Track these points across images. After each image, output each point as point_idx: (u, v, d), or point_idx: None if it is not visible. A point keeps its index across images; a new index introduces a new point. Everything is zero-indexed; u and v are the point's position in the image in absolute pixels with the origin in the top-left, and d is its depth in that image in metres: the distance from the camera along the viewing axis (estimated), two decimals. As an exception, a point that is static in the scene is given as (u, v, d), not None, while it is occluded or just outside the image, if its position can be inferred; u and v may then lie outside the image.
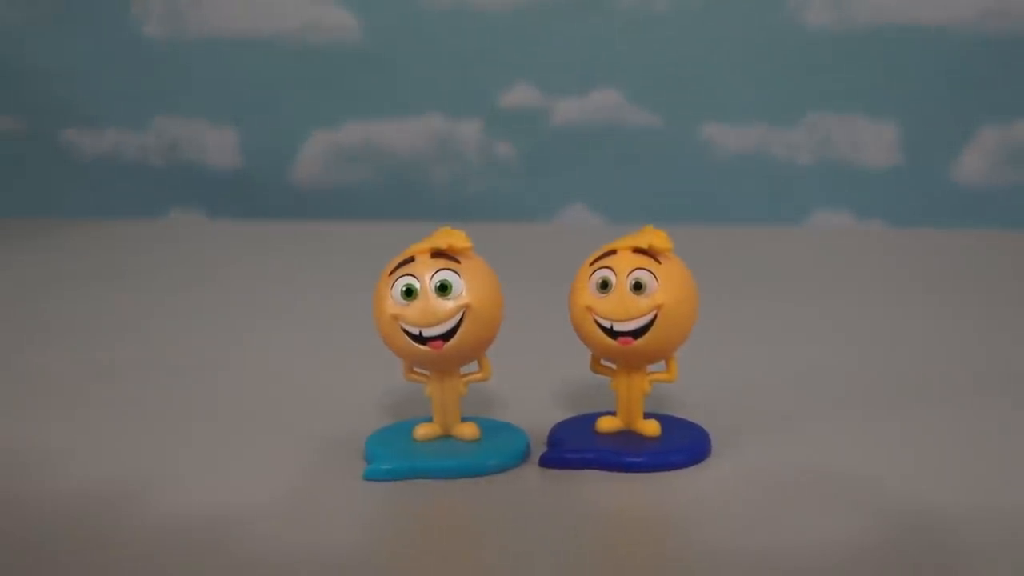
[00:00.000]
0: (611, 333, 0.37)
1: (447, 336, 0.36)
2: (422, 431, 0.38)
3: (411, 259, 0.36)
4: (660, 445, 0.38)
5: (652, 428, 0.39)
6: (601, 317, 0.37)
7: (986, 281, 0.71)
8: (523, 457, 0.38)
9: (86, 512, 0.34)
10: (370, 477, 0.36)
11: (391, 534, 0.33)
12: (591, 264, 0.37)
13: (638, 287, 0.36)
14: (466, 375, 0.38)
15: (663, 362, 0.39)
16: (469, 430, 0.38)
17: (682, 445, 0.38)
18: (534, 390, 0.46)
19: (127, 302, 0.66)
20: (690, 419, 0.40)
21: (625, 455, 0.37)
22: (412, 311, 0.35)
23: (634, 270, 0.36)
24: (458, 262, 0.36)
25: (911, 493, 0.35)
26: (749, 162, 1.00)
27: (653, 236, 0.37)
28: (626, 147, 1.01)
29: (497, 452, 0.37)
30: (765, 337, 0.57)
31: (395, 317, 0.36)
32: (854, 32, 0.96)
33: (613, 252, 0.37)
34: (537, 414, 0.42)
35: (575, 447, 0.38)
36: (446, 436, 0.38)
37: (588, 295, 0.37)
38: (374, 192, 1.04)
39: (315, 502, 0.35)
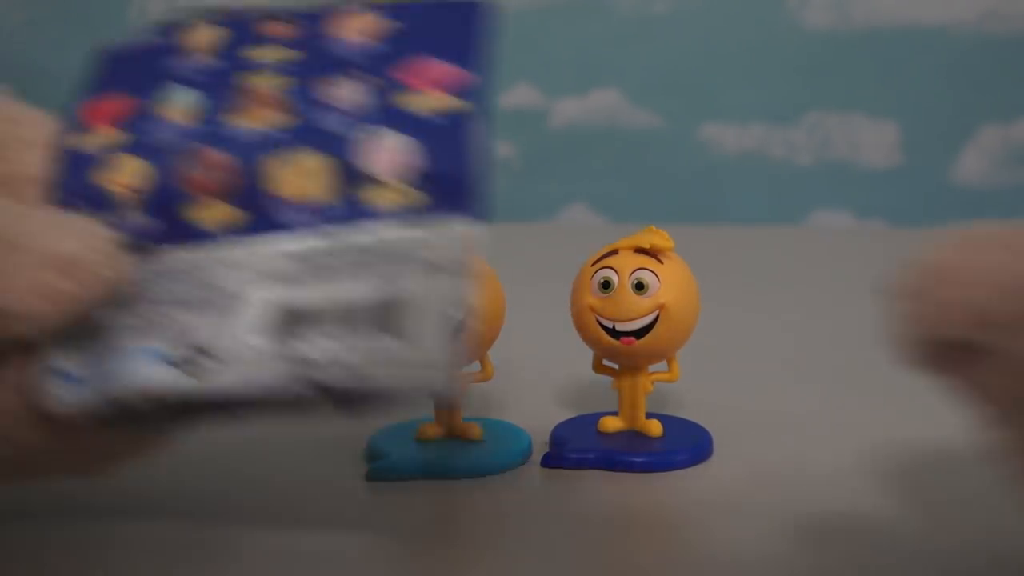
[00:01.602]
0: (613, 333, 0.37)
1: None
2: (425, 431, 0.38)
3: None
4: (662, 445, 0.38)
5: (654, 428, 0.38)
6: (603, 317, 0.37)
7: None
8: (525, 457, 0.38)
9: (86, 511, 0.34)
10: (373, 477, 0.36)
11: (394, 534, 0.33)
12: (593, 264, 0.37)
13: (640, 287, 0.36)
14: (472, 373, 0.38)
15: (665, 362, 0.39)
16: (472, 430, 0.38)
17: (684, 445, 0.38)
18: (536, 390, 0.46)
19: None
20: (692, 419, 0.40)
21: (627, 455, 0.37)
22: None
23: (636, 270, 0.36)
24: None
25: (912, 492, 0.35)
26: (749, 162, 1.00)
27: (655, 236, 0.37)
28: (626, 147, 1.01)
29: (500, 452, 0.37)
30: (766, 337, 0.57)
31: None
32: (854, 32, 0.96)
33: (615, 252, 0.37)
34: (539, 414, 0.42)
35: (577, 447, 0.38)
36: (449, 436, 0.38)
37: (590, 295, 0.37)
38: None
39: (317, 502, 0.35)
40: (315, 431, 0.41)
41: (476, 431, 0.38)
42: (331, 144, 0.29)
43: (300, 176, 0.29)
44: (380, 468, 0.36)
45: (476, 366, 0.38)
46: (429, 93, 0.30)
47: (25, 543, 0.32)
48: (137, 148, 0.30)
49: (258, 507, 0.34)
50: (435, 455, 0.37)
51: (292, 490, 0.36)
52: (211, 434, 0.41)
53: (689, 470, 0.37)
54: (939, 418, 0.43)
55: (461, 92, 0.30)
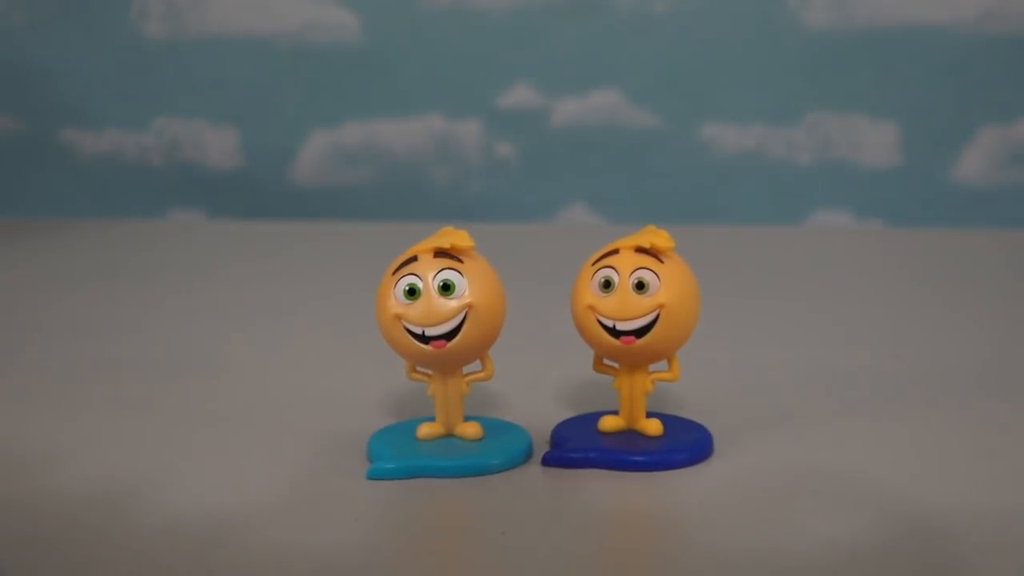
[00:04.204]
0: (613, 332, 0.37)
1: (450, 335, 0.36)
2: (425, 430, 0.38)
3: (414, 258, 0.36)
4: (662, 444, 0.38)
5: (654, 427, 0.39)
6: (603, 316, 0.37)
7: (986, 281, 0.71)
8: (526, 456, 0.38)
9: (86, 512, 0.34)
10: (373, 476, 0.36)
11: (394, 533, 0.33)
12: (593, 264, 0.37)
13: (640, 287, 0.36)
14: (469, 374, 0.38)
15: (665, 361, 0.39)
16: (472, 429, 0.38)
17: (684, 444, 0.38)
18: (537, 389, 0.46)
19: (127, 302, 0.66)
20: (692, 418, 0.40)
21: (627, 454, 0.37)
22: (415, 310, 0.35)
23: (636, 269, 0.36)
24: (461, 262, 0.36)
25: (912, 493, 0.35)
26: (749, 162, 1.00)
27: (655, 236, 0.37)
28: (626, 147, 1.01)
29: (500, 451, 0.37)
30: (766, 336, 0.57)
31: (398, 316, 0.36)
32: (854, 32, 0.96)
33: (615, 251, 0.37)
34: (540, 413, 0.42)
35: (578, 446, 0.38)
36: (449, 435, 0.38)
37: (590, 294, 0.37)
38: (374, 192, 1.04)
39: (318, 501, 0.35)
40: (316, 430, 0.41)
41: (476, 430, 0.38)
42: None
43: None
44: (381, 467, 0.36)
45: (477, 365, 0.38)
46: None
47: (23, 541, 0.32)
48: None
49: (260, 507, 0.34)
50: (436, 454, 0.37)
51: (294, 490, 0.36)
52: (212, 434, 0.41)
53: (689, 469, 0.37)
54: (938, 415, 0.43)
55: None
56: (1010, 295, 0.66)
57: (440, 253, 0.36)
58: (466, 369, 0.38)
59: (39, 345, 0.56)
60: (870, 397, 0.45)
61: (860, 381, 0.48)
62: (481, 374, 0.38)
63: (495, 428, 0.39)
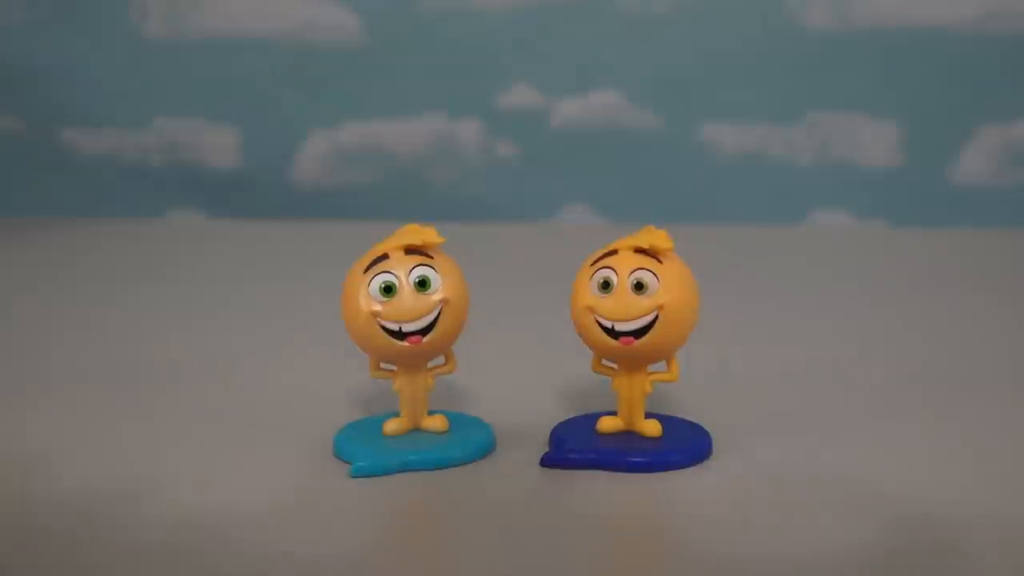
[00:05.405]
0: (612, 333, 0.37)
1: (425, 331, 0.36)
2: (392, 426, 0.38)
3: (385, 256, 0.36)
4: (661, 445, 0.38)
5: (653, 428, 0.38)
6: (602, 317, 0.37)
7: (986, 281, 0.71)
8: (492, 446, 0.38)
9: (82, 513, 0.34)
10: (358, 474, 0.36)
11: (391, 534, 0.33)
12: (592, 264, 0.37)
13: (639, 287, 0.36)
14: (433, 368, 0.39)
15: (664, 362, 0.39)
16: (438, 422, 0.39)
17: (683, 445, 0.38)
18: (536, 390, 0.46)
19: (126, 302, 0.66)
20: (691, 419, 0.40)
21: (626, 455, 0.37)
22: (392, 308, 0.36)
23: (635, 270, 0.36)
24: (432, 258, 0.36)
25: (912, 493, 0.35)
26: (749, 162, 1.00)
27: (654, 236, 0.37)
28: (626, 147, 1.01)
29: (464, 443, 0.38)
30: (765, 337, 0.57)
31: (374, 314, 0.36)
32: (854, 32, 0.96)
33: (614, 252, 0.37)
34: (539, 414, 0.42)
35: (577, 447, 0.38)
36: (416, 429, 0.39)
37: (589, 295, 0.37)
38: (374, 192, 1.04)
39: (309, 501, 0.35)
40: (316, 431, 0.41)
41: (443, 423, 0.39)
42: None
43: None
44: (365, 465, 0.36)
45: (440, 360, 0.38)
46: None
47: (20, 541, 0.32)
48: None
49: (252, 507, 0.34)
50: (415, 448, 0.37)
51: (289, 490, 0.35)
52: (209, 435, 0.41)
53: (688, 470, 0.37)
54: (938, 415, 0.43)
55: None
56: (1010, 295, 0.66)
57: (411, 250, 0.36)
58: (431, 364, 0.38)
59: (38, 345, 0.56)
60: (870, 397, 0.45)
61: (860, 381, 0.48)
62: (445, 368, 0.39)
63: (458, 421, 0.40)
